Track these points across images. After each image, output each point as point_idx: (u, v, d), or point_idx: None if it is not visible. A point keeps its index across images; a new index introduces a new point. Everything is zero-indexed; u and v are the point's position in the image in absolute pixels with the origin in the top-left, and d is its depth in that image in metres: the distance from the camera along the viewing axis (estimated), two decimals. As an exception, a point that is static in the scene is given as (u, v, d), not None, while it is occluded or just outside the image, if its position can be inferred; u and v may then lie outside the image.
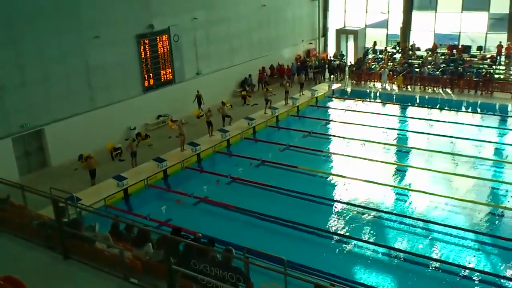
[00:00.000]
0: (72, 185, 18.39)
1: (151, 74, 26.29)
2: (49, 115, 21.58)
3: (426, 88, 32.77)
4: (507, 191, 18.99)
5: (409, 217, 17.28)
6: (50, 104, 21.58)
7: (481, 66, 33.65)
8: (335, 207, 18.39)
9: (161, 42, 26.62)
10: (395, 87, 33.61)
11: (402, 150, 23.87)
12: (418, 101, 31.22)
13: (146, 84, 26.13)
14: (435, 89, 32.54)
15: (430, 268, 14.45)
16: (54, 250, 9.18)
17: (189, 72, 28.69)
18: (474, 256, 15.04)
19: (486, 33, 35.57)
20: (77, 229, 9.38)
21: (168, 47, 27.03)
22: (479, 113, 28.87)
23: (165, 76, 27.15)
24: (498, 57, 34.45)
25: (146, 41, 25.79)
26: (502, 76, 32.39)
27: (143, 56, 25.69)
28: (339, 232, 16.61)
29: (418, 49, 37.63)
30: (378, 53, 38.52)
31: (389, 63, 35.85)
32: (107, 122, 23.57)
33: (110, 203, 18.68)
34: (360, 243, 15.82)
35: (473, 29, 36.18)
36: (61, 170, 21.19)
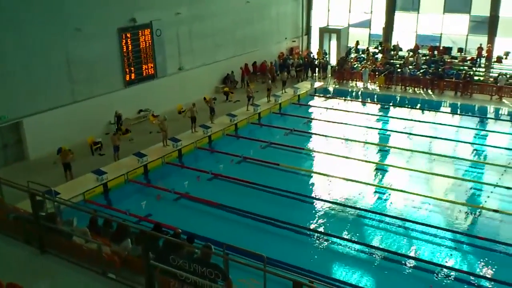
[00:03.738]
0: (51, 179, 18.13)
1: (132, 68, 26.07)
2: (28, 108, 21.26)
3: (407, 88, 33.07)
4: (484, 191, 19.26)
5: (389, 216, 17.41)
6: (30, 96, 21.25)
7: (461, 67, 34.05)
8: (316, 205, 18.45)
9: (143, 36, 26.40)
10: (376, 86, 33.85)
11: (383, 149, 24.02)
12: (398, 101, 31.46)
13: (128, 78, 25.91)
14: (415, 89, 32.85)
15: (408, 266, 14.59)
16: (31, 244, 9.06)
17: (171, 67, 28.52)
18: (451, 255, 15.23)
19: (467, 35, 36.07)
20: (54, 223, 9.26)
21: (150, 41, 26.82)
22: (459, 114, 29.25)
23: (147, 70, 26.94)
24: (478, 59, 34.97)
25: (128, 35, 25.55)
26: (481, 78, 32.81)
27: (124, 50, 25.45)
28: (319, 229, 16.67)
29: (401, 49, 37.98)
30: (360, 53, 38.76)
31: (371, 63, 36.03)
32: (87, 115, 23.33)
33: (89, 197, 18.50)
34: (339, 241, 15.90)
35: (454, 31, 36.63)
36: (39, 164, 20.88)
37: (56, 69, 22.29)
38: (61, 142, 21.04)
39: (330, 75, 36.28)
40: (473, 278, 14.09)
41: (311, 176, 21.17)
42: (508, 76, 31.36)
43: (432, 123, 27.15)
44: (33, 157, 21.53)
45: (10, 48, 20.37)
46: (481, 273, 14.37)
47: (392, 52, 37.81)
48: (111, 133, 22.89)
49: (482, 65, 34.85)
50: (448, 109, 30.17)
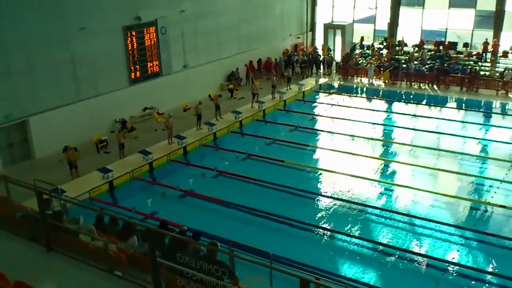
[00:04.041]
0: (57, 177, 18.23)
1: (137, 66, 26.10)
2: (34, 106, 21.33)
3: (412, 84, 32.96)
4: (490, 186, 19.17)
5: (395, 212, 17.39)
6: (35, 95, 21.34)
7: (467, 62, 33.89)
8: (321, 201, 18.44)
9: (148, 34, 26.42)
10: (381, 82, 33.76)
11: (388, 145, 23.97)
12: (404, 96, 31.38)
13: (133, 76, 25.94)
14: (421, 85, 32.76)
15: (414, 262, 14.57)
16: (37, 242, 9.09)
17: (176, 64, 28.53)
18: (458, 251, 15.19)
19: (473, 30, 35.89)
20: (60, 221, 9.29)
21: (155, 39, 26.83)
22: (464, 109, 29.14)
23: (152, 68, 26.97)
24: (484, 54, 34.78)
25: (133, 33, 25.58)
26: (487, 73, 32.65)
27: (129, 48, 25.48)
28: (325, 226, 16.67)
29: (406, 45, 37.85)
30: (365, 49, 38.65)
31: (376, 59, 35.90)
32: (93, 114, 23.37)
33: (95, 195, 18.56)
34: (345, 237, 15.89)
35: (459, 25, 36.45)
36: (45, 162, 20.95)
37: (62, 68, 22.32)
38: (67, 140, 21.08)
39: (334, 71, 36.20)
40: (479, 274, 14.05)
41: (316, 173, 21.14)
42: (514, 70, 31.18)
43: (438, 118, 27.06)
44: (39, 156, 21.59)
45: (15, 47, 20.41)
46: (488, 269, 14.34)
47: (397, 48, 37.66)
48: (116, 131, 22.94)
49: (488, 60, 34.67)
50: (454, 105, 30.06)
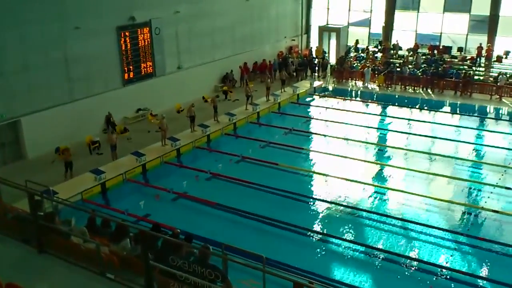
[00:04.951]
0: (49, 178, 18.05)
1: (131, 67, 26.00)
2: (26, 106, 21.17)
3: (407, 87, 33.02)
4: (484, 191, 19.19)
5: (389, 216, 17.35)
6: (28, 95, 21.18)
7: (461, 67, 34.01)
8: (315, 205, 18.40)
9: (142, 35, 26.32)
10: (375, 86, 33.80)
11: (382, 149, 23.97)
12: (398, 100, 31.39)
13: (126, 77, 25.83)
14: (415, 89, 32.82)
15: (408, 267, 14.54)
16: (29, 244, 9.00)
17: (170, 66, 28.44)
18: (451, 255, 15.17)
19: (467, 34, 36.01)
20: (52, 223, 9.19)
21: (149, 40, 26.74)
22: (458, 114, 29.21)
23: (145, 69, 26.87)
24: (478, 59, 34.90)
25: (127, 33, 25.47)
26: (481, 78, 32.80)
27: (123, 49, 25.37)
28: (318, 230, 16.63)
29: (400, 48, 37.94)
30: (360, 52, 38.71)
31: (371, 62, 35.95)
32: (85, 114, 23.25)
33: (87, 197, 18.41)
34: (339, 242, 15.85)
35: (454, 30, 36.57)
36: (37, 163, 20.78)
37: (55, 68, 22.20)
38: (59, 141, 20.99)
39: (329, 74, 36.22)
40: (472, 279, 14.04)
41: (310, 176, 21.10)
42: (508, 75, 31.32)
43: (432, 122, 27.13)
44: (31, 156, 21.43)
45: (8, 46, 20.28)
46: (481, 274, 14.33)
47: (392, 51, 37.76)
48: (108, 131, 22.76)
49: (482, 65, 34.82)
50: (448, 109, 30.14)
